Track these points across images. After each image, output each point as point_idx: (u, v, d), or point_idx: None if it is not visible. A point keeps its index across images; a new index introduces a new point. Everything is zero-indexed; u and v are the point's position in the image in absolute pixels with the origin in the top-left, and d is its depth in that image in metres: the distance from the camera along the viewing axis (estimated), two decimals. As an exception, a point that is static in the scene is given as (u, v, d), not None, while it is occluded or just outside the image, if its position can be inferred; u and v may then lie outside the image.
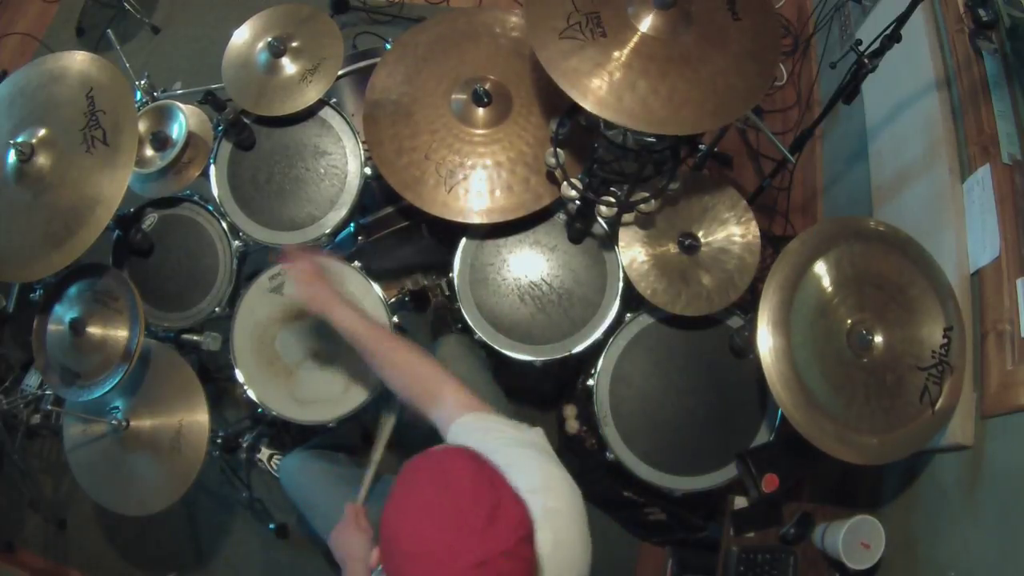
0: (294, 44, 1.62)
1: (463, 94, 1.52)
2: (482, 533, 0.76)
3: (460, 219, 1.47)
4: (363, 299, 1.60)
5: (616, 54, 1.19)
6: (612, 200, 1.43)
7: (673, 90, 1.17)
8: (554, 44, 1.19)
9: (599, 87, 1.16)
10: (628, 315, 1.55)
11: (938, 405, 1.27)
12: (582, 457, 1.75)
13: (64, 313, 1.52)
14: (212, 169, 1.64)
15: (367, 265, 1.63)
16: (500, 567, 0.76)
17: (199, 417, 1.53)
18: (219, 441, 1.86)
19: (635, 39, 1.20)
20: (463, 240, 1.56)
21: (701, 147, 1.70)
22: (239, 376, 1.56)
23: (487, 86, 1.49)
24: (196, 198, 1.69)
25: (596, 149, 1.36)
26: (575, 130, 1.46)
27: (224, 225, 1.65)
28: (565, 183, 1.42)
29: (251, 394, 1.55)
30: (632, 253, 1.49)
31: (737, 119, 1.77)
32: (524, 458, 0.95)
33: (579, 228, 1.53)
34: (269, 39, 1.59)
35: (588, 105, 1.16)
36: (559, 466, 0.96)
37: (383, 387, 1.54)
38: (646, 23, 1.20)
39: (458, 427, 1.03)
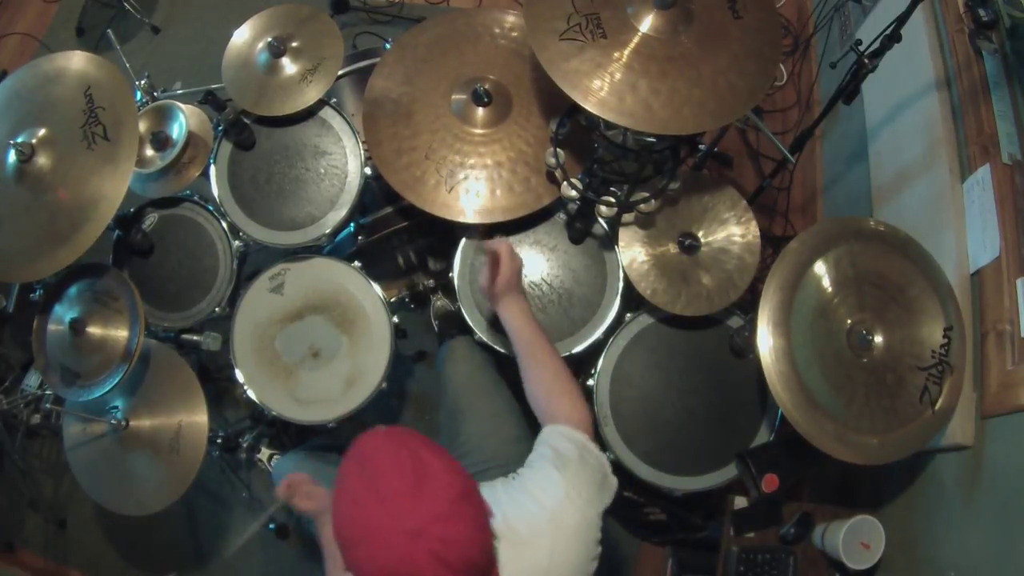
0: (294, 44, 1.62)
1: (463, 94, 1.52)
2: (412, 499, 0.77)
3: (461, 219, 1.47)
4: (363, 299, 1.60)
5: (616, 55, 1.19)
6: (612, 200, 1.43)
7: (674, 90, 1.17)
8: (554, 46, 1.19)
9: (600, 88, 1.16)
10: (628, 315, 1.55)
11: (938, 405, 1.27)
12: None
13: (64, 313, 1.52)
14: (212, 169, 1.63)
15: (367, 265, 1.63)
16: (437, 533, 0.76)
17: (198, 417, 1.52)
18: (219, 441, 1.86)
19: (635, 39, 1.20)
20: (463, 240, 1.56)
21: (701, 147, 1.70)
22: (239, 376, 1.56)
23: (487, 86, 1.49)
24: (196, 198, 1.69)
25: (596, 149, 1.36)
26: (575, 130, 1.46)
27: (224, 225, 1.65)
28: (565, 183, 1.42)
29: (251, 394, 1.55)
30: (632, 253, 1.49)
31: (737, 119, 1.77)
32: (556, 478, 0.98)
33: (579, 228, 1.53)
34: (269, 39, 1.59)
35: (590, 106, 1.16)
36: (583, 499, 0.98)
37: (379, 391, 1.55)
38: (646, 23, 1.20)
39: (546, 431, 1.10)
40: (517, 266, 1.30)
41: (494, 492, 0.98)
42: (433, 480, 0.79)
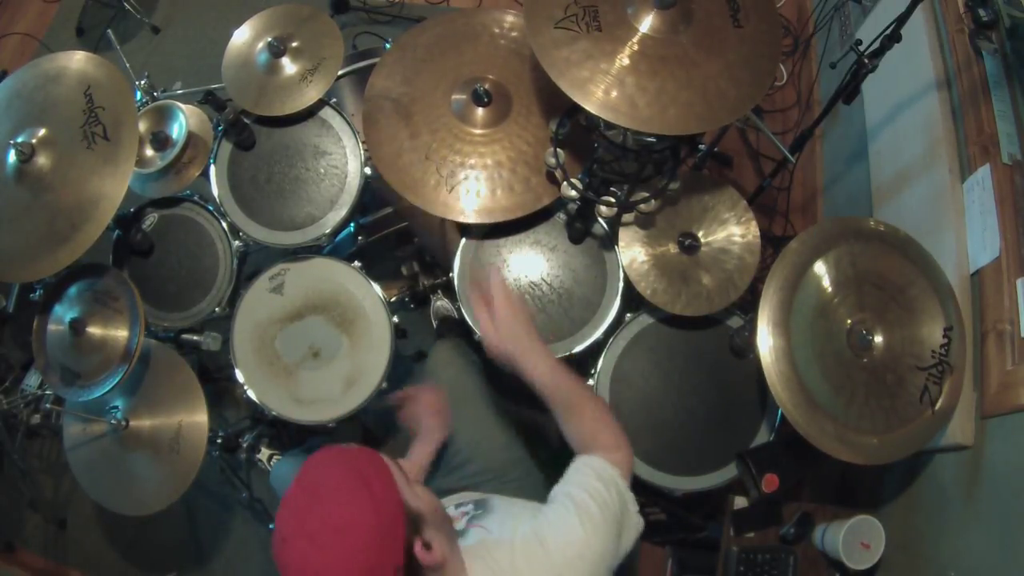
0: (294, 44, 1.62)
1: (463, 94, 1.52)
2: (299, 509, 0.82)
3: (461, 219, 1.47)
4: (363, 299, 1.60)
5: (608, 48, 1.19)
6: (612, 200, 1.43)
7: (661, 90, 1.17)
8: (548, 33, 1.20)
9: (586, 79, 1.16)
10: (628, 315, 1.55)
11: (938, 405, 1.27)
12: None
13: (64, 313, 1.52)
14: (212, 169, 1.63)
15: (367, 265, 1.63)
16: (301, 547, 0.79)
17: (198, 417, 1.53)
18: (219, 441, 1.86)
19: (629, 36, 1.20)
20: (463, 240, 1.55)
21: (701, 147, 1.70)
22: (239, 376, 1.56)
23: (487, 86, 1.49)
24: (196, 198, 1.69)
25: (596, 149, 1.36)
26: (575, 130, 1.45)
27: (224, 225, 1.65)
28: (565, 183, 1.42)
29: (251, 394, 1.55)
30: (632, 253, 1.49)
31: (736, 119, 1.77)
32: (575, 530, 0.95)
33: (579, 228, 1.53)
34: (269, 39, 1.59)
35: (574, 96, 1.16)
36: (597, 554, 0.95)
37: (379, 391, 1.55)
38: (643, 21, 1.20)
39: (579, 461, 1.06)
40: (514, 304, 1.13)
41: (515, 527, 0.97)
42: (325, 502, 0.81)
